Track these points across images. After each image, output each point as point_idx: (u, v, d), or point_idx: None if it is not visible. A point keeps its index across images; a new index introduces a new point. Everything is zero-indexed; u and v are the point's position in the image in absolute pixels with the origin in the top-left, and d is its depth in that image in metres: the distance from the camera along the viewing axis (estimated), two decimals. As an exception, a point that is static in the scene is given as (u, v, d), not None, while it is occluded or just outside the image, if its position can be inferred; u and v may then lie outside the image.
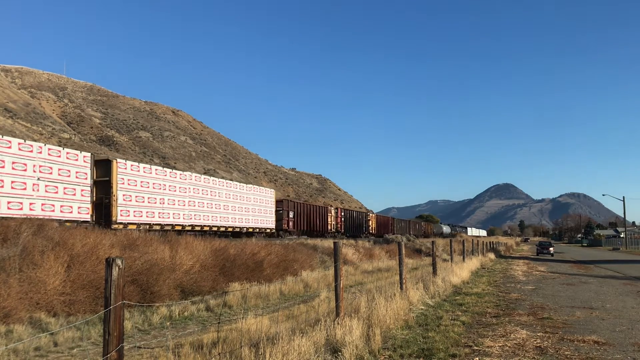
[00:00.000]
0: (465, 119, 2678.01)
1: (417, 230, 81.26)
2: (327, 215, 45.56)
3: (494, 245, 56.32)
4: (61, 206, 18.98)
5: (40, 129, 68.45)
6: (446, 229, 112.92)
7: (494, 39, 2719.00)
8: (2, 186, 16.80)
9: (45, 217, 16.75)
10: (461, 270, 19.78)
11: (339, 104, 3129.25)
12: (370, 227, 58.45)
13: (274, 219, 35.42)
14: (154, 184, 24.12)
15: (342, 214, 50.06)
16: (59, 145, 26.25)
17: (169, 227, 24.44)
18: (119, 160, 22.77)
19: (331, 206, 49.38)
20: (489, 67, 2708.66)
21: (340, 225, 48.95)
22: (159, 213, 24.29)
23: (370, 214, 60.87)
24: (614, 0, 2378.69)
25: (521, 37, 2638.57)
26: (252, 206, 32.53)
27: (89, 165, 20.53)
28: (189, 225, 26.54)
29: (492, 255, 38.96)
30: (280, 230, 36.68)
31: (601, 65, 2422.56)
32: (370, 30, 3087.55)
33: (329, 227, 45.67)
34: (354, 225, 52.78)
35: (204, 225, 27.83)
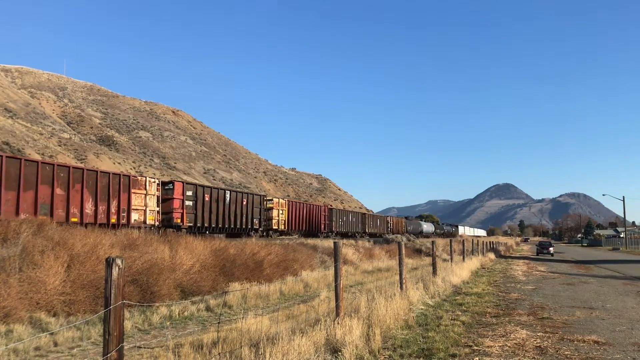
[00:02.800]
0: (465, 118, 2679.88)
1: (377, 228, 59.77)
2: (128, 193, 22.94)
3: (494, 245, 56.32)
4: None
5: (40, 129, 68.43)
6: (427, 227, 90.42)
7: (493, 38, 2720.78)
8: None
9: None
10: (461, 270, 19.78)
11: (340, 104, 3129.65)
12: (274, 221, 35.53)
13: None
14: None
15: (190, 193, 26.68)
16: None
17: None
18: None
19: (150, 177, 25.37)
20: (488, 66, 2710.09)
21: (183, 215, 25.85)
22: None
23: (275, 199, 36.79)
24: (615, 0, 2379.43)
25: (521, 36, 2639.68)
26: None
27: None
28: None
29: (492, 255, 38.96)
30: None
31: (601, 64, 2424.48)
32: (370, 28, 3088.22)
33: (140, 217, 23.51)
34: (222, 215, 29.46)
35: None
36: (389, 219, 66.89)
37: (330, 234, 44.17)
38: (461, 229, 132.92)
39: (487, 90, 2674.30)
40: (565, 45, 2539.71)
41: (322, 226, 42.98)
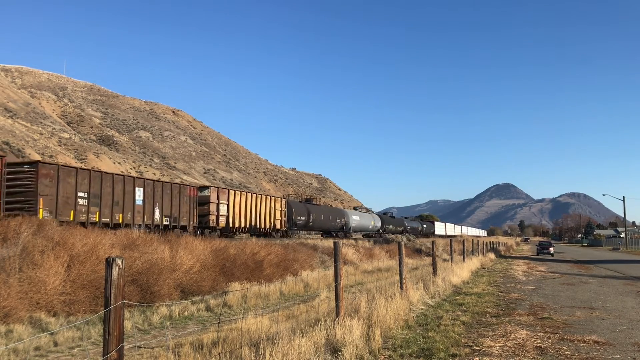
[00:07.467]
0: (465, 118, 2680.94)
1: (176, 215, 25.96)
2: None
3: (494, 245, 56.32)
4: None
5: (40, 128, 68.43)
6: (363, 220, 52.35)
7: (492, 38, 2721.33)
8: None
9: None
10: (461, 270, 19.78)
11: (339, 104, 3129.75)
12: None
13: None
14: None
15: None
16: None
17: None
18: None
19: None
20: (488, 66, 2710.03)
21: None
22: None
23: None
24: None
25: (521, 35, 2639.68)
26: None
27: None
28: None
29: (492, 255, 38.97)
30: None
31: (601, 64, 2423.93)
32: (370, 29, 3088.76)
33: None
34: None
35: None
36: (261, 201, 32.92)
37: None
38: (440, 227, 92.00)
39: (488, 90, 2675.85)
40: (565, 45, 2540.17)
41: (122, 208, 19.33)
